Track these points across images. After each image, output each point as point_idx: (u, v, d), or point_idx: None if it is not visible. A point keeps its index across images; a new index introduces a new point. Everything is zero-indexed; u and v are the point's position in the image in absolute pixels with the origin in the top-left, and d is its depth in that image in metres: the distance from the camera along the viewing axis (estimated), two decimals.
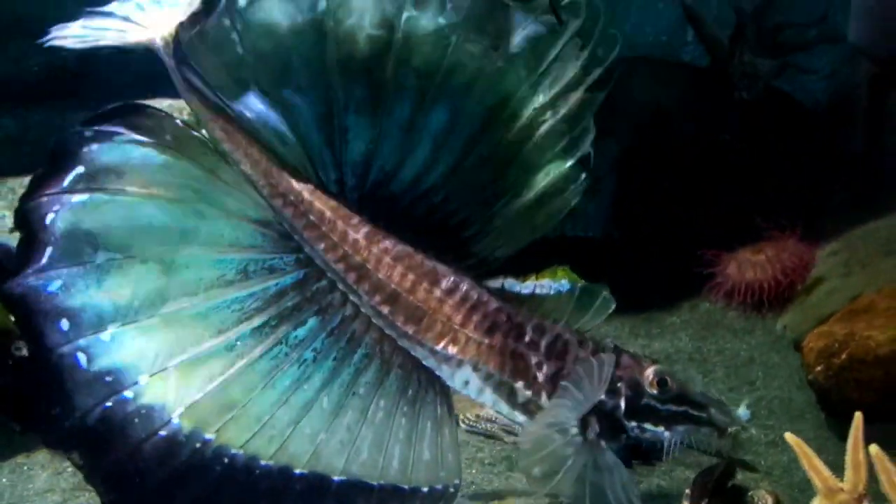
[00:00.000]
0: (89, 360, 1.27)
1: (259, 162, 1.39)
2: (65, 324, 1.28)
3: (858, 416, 1.35)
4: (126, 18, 1.42)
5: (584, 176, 1.50)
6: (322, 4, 1.38)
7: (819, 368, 1.95)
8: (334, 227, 1.41)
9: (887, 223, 2.51)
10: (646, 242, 2.91)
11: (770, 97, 2.86)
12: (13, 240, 2.51)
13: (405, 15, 1.41)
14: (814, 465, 1.37)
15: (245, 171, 1.39)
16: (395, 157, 1.45)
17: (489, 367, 1.40)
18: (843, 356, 1.91)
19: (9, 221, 2.67)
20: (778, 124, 2.86)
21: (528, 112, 1.48)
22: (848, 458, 1.33)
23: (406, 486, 1.34)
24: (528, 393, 1.39)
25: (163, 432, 1.27)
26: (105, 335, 1.29)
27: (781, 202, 2.71)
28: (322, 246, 1.40)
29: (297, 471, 1.31)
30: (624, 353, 1.41)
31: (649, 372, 1.37)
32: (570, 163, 1.50)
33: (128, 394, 1.27)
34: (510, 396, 1.40)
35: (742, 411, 1.41)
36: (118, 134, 1.38)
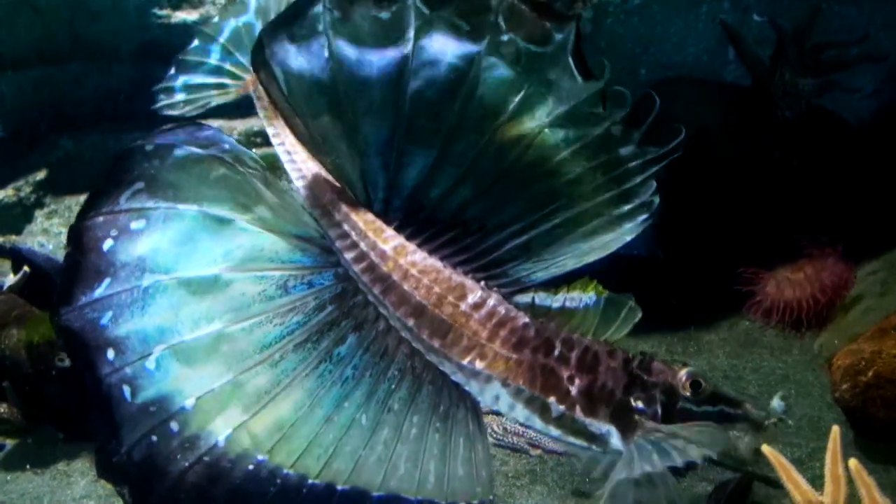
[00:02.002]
0: (134, 391, 1.26)
1: (306, 175, 1.45)
2: (111, 353, 1.26)
3: (835, 430, 1.35)
4: (219, 66, 1.60)
5: (643, 218, 1.45)
6: (410, 35, 1.40)
7: (845, 386, 1.94)
8: (365, 237, 1.43)
9: None
10: (689, 261, 2.91)
11: (814, 116, 2.84)
12: None
13: (482, 63, 1.42)
14: (792, 479, 1.37)
15: (296, 185, 1.44)
16: (444, 187, 1.46)
17: (519, 382, 1.40)
18: (870, 374, 1.90)
19: (64, 238, 2.78)
20: (821, 143, 2.84)
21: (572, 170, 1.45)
22: (827, 471, 1.33)
23: (443, 502, 1.35)
24: (562, 408, 1.39)
25: (208, 458, 1.26)
26: (150, 361, 1.27)
27: (822, 221, 2.70)
28: (351, 255, 1.42)
29: (340, 487, 1.31)
30: (654, 360, 1.40)
31: (682, 374, 1.37)
32: (626, 208, 1.45)
33: (173, 424, 1.25)
34: (543, 412, 1.40)
35: (776, 403, 1.40)
36: (177, 147, 1.41)
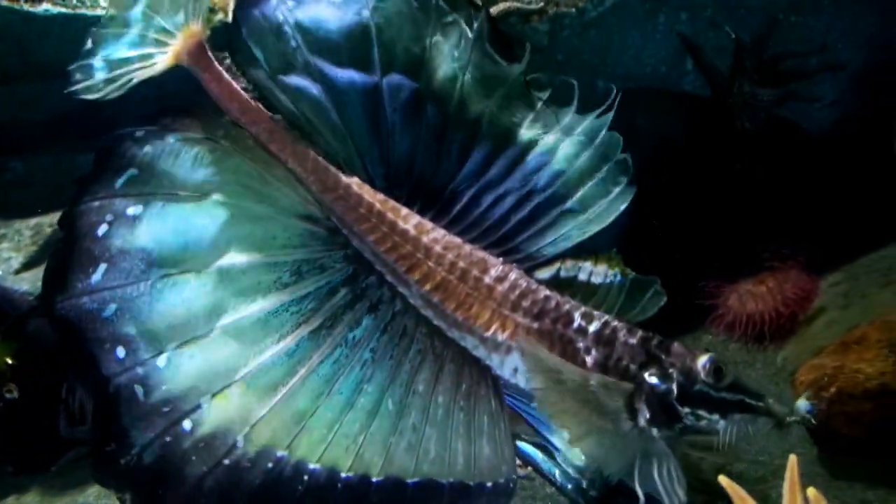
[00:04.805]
0: (147, 391, 1.21)
1: (305, 158, 1.42)
2: (121, 351, 1.23)
3: (793, 459, 1.32)
4: (143, 35, 1.46)
5: (624, 179, 1.58)
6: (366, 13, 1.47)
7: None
8: (383, 218, 1.43)
9: (888, 253, 2.47)
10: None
11: (774, 127, 2.83)
12: (16, 282, 2.57)
13: (432, 39, 1.50)
14: None
15: (292, 167, 1.41)
16: (432, 159, 1.49)
17: None
18: (832, 389, 1.88)
19: (15, 263, 2.72)
20: (782, 154, 2.83)
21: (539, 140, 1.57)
22: (785, 499, 1.30)
23: (472, 483, 1.31)
24: None
25: (227, 460, 1.21)
26: (161, 360, 1.23)
27: (785, 232, 2.68)
28: (372, 237, 1.42)
29: (375, 478, 1.26)
30: (675, 342, 1.43)
31: (704, 359, 1.38)
32: (604, 169, 1.56)
33: (186, 423, 1.21)
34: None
35: (802, 403, 1.39)
36: (170, 132, 1.38)
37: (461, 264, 1.43)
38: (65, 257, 1.28)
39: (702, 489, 1.77)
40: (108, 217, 1.29)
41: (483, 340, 1.41)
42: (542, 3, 2.51)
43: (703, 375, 1.37)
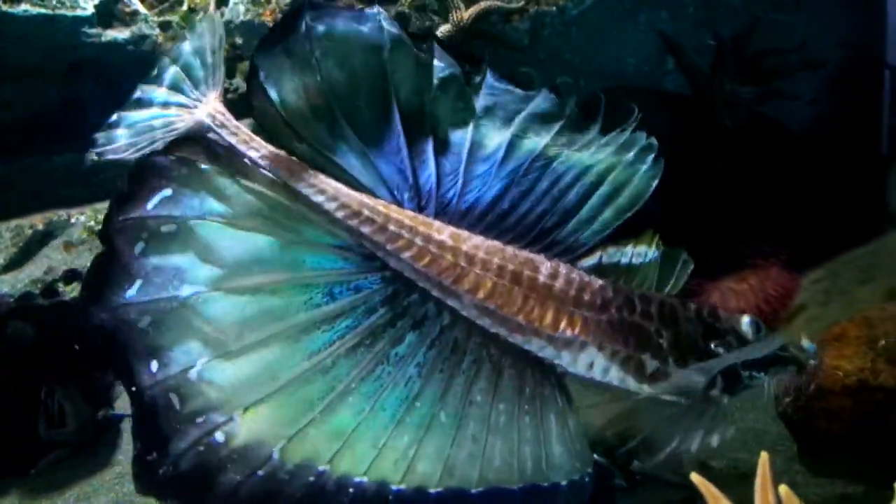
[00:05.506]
0: (180, 401, 1.23)
1: (326, 189, 1.43)
2: (154, 364, 1.24)
3: (764, 457, 1.31)
4: (165, 104, 1.55)
5: (652, 156, 1.63)
6: (386, 45, 1.54)
7: (788, 399, 1.91)
8: (417, 233, 1.41)
9: (868, 250, 2.48)
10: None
11: (755, 124, 2.84)
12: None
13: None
14: None
15: (314, 199, 1.42)
16: (456, 175, 1.51)
17: (614, 344, 1.39)
18: (812, 386, 1.88)
19: None
20: (764, 151, 2.84)
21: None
22: (757, 499, 1.29)
23: (546, 484, 1.29)
24: (656, 363, 1.39)
25: (262, 471, 1.20)
26: (193, 373, 1.25)
27: (766, 229, 2.68)
28: (409, 254, 1.40)
29: (433, 490, 1.24)
30: (715, 307, 1.45)
31: (746, 320, 1.41)
32: (632, 153, 1.61)
33: (219, 435, 1.21)
34: (638, 370, 1.39)
35: (807, 343, 1.43)
36: (195, 162, 1.40)
37: (510, 267, 1.41)
38: (101, 270, 1.30)
39: (682, 485, 1.77)
40: (144, 235, 1.31)
41: (552, 340, 1.38)
42: (522, 2, 2.51)
43: (751, 337, 1.40)
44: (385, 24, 1.58)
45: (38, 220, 2.90)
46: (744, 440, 2.09)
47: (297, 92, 1.51)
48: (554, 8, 2.56)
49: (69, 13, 2.95)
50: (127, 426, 2.26)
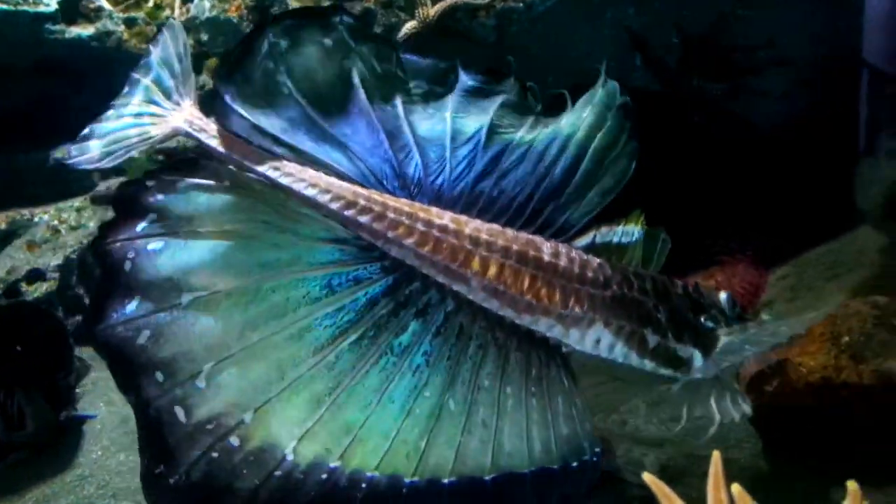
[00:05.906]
0: (187, 411, 1.23)
1: (317, 183, 1.42)
2: (159, 375, 1.24)
3: (716, 455, 1.30)
4: (138, 115, 1.55)
5: (626, 132, 1.66)
6: (349, 55, 1.54)
7: (752, 397, 1.90)
8: (417, 219, 1.41)
9: (835, 247, 2.48)
10: None
11: (724, 120, 2.84)
12: None
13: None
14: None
15: (306, 194, 1.41)
16: (442, 163, 1.51)
17: (619, 319, 1.41)
18: (775, 383, 1.87)
19: None
20: (732, 147, 2.84)
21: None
22: (709, 497, 1.29)
23: (556, 466, 1.30)
24: (657, 337, 1.43)
25: (278, 472, 1.20)
26: (200, 380, 1.25)
27: (734, 226, 2.69)
28: (412, 241, 1.39)
29: (446, 480, 1.24)
30: (696, 282, 1.52)
31: (723, 295, 1.50)
32: (609, 121, 1.63)
33: (233, 439, 1.21)
34: (641, 345, 1.42)
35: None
36: (180, 181, 1.39)
37: (515, 247, 1.41)
38: (101, 288, 1.30)
39: (641, 485, 1.76)
40: (131, 254, 1.31)
41: (561, 319, 1.39)
42: None
43: (728, 311, 1.47)
44: (346, 36, 1.57)
45: (0, 220, 2.87)
46: (708, 439, 2.09)
47: (267, 107, 1.49)
48: (521, 4, 2.55)
49: (31, 9, 2.92)
50: (90, 427, 2.24)
